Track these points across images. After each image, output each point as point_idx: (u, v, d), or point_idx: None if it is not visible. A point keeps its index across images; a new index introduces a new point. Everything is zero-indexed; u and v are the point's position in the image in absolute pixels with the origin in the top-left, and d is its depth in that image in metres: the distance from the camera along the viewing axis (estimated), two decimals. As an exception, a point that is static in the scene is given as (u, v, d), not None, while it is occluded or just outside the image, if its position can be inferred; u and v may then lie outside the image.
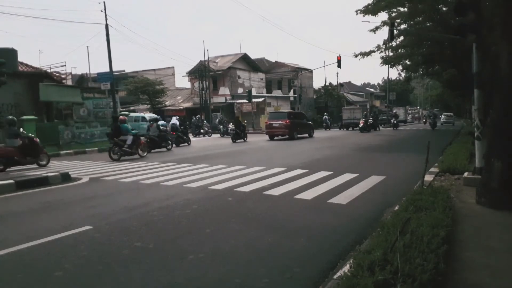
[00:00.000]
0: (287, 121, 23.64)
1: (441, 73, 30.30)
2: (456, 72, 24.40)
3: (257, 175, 9.11)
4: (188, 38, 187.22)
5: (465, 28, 7.02)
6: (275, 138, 24.17)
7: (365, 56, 22.82)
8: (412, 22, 20.85)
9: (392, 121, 36.69)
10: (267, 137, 24.75)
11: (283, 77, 49.12)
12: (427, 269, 2.91)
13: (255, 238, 4.53)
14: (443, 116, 50.30)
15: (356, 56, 23.03)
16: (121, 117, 15.33)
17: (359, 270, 2.96)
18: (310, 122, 27.91)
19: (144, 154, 14.82)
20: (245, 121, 29.37)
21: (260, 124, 36.47)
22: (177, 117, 23.12)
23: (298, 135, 24.37)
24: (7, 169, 11.29)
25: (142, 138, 15.23)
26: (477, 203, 5.70)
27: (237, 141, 22.52)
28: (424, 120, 47.18)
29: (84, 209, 6.23)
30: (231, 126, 27.61)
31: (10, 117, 12.92)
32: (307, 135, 25.63)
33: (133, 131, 14.86)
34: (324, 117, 38.77)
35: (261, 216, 5.54)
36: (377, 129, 33.69)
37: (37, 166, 12.13)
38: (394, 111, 43.76)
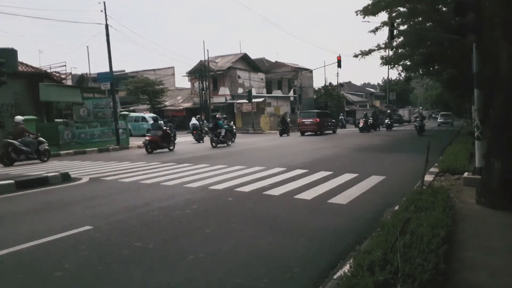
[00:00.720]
0: (317, 119, 27.57)
1: (441, 73, 30.25)
2: (456, 72, 24.38)
3: (257, 175, 9.11)
4: (188, 38, 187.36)
5: (465, 28, 7.02)
6: (305, 134, 28.26)
7: (365, 56, 22.80)
8: (412, 22, 20.83)
9: (386, 122, 34.36)
10: (298, 133, 28.99)
11: (283, 77, 49.13)
12: (427, 269, 2.91)
13: (255, 238, 4.53)
14: (440, 116, 46.04)
15: (356, 56, 23.02)
16: (217, 115, 20.93)
17: (359, 270, 2.96)
18: (334, 120, 32.37)
19: (229, 143, 19.79)
20: (289, 119, 33.53)
21: (260, 124, 36.45)
22: (198, 117, 27.25)
23: (325, 131, 28.67)
24: (153, 151, 16.35)
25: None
26: (477, 203, 5.70)
27: (283, 135, 27.61)
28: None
29: (84, 209, 6.23)
30: (231, 125, 28.93)
31: (154, 115, 19.76)
32: (331, 131, 30.18)
33: (226, 126, 19.89)
34: (340, 117, 42.85)
35: (261, 216, 5.54)
36: (377, 129, 33.76)
37: (168, 150, 17.01)
38: (389, 111, 43.42)
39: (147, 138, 16.74)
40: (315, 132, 27.50)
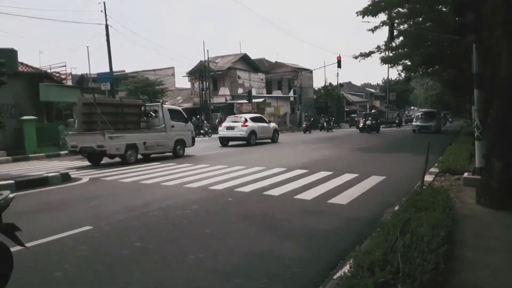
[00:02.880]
0: (370, 118, 34.23)
1: (441, 74, 30.19)
2: (456, 72, 24.37)
3: (257, 175, 9.11)
4: (188, 38, 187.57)
5: (465, 28, 7.00)
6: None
7: (365, 57, 22.82)
8: (411, 22, 20.83)
9: (372, 122, 29.81)
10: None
11: (283, 77, 49.10)
12: (427, 269, 2.91)
13: (255, 238, 4.53)
14: (416, 118, 29.66)
15: (356, 57, 23.05)
16: (364, 113, 32.74)
17: (359, 270, 2.96)
18: (379, 121, 38.02)
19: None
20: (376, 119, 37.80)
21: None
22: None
23: None
24: (305, 132, 31.55)
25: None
26: (477, 203, 5.70)
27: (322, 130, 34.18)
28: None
29: (84, 209, 6.24)
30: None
31: (303, 113, 38.89)
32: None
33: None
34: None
35: (261, 216, 5.54)
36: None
37: (309, 132, 30.70)
38: (373, 110, 42.81)
39: (304, 125, 32.11)
40: None
